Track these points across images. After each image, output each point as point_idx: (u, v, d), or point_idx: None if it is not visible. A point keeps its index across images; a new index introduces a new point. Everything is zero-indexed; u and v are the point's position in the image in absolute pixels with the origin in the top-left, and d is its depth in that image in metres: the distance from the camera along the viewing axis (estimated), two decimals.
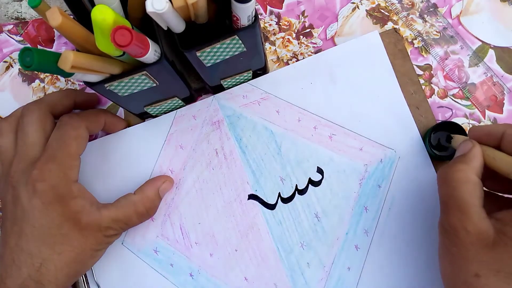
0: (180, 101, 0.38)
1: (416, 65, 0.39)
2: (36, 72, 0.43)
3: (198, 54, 0.30)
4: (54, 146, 0.33)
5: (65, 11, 0.27)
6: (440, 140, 0.36)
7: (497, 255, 0.26)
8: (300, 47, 0.41)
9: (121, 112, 0.41)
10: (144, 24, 0.30)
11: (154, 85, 0.32)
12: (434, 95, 0.39)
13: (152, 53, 0.28)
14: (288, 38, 0.41)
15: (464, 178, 0.28)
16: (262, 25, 0.41)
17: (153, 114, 0.39)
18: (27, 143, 0.33)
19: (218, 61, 0.32)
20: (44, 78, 0.42)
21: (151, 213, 0.36)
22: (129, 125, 0.40)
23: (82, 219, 0.32)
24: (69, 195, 0.32)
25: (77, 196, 0.33)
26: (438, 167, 0.37)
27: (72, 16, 0.28)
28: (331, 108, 0.39)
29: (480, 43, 0.39)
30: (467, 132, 0.37)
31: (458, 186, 0.28)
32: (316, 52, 0.40)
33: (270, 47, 0.41)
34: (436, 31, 0.40)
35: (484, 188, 0.29)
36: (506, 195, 0.31)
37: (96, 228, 0.33)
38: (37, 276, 0.31)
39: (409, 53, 0.39)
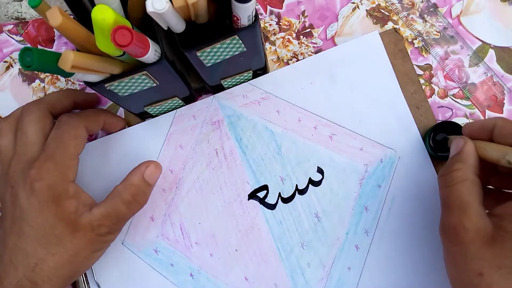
0: (180, 101, 0.38)
1: (416, 65, 0.39)
2: (36, 72, 0.43)
3: (198, 54, 0.30)
4: (52, 145, 0.33)
5: (65, 11, 0.27)
6: (440, 141, 0.36)
7: (496, 250, 0.26)
8: (300, 47, 0.41)
9: (121, 112, 0.41)
10: (144, 24, 0.30)
11: (154, 85, 0.32)
12: (434, 95, 0.39)
13: (152, 53, 0.28)
14: (288, 38, 0.41)
15: (461, 177, 0.28)
16: (262, 25, 0.41)
17: (153, 114, 0.39)
18: (26, 143, 0.33)
19: (218, 61, 0.32)
20: (44, 78, 0.42)
21: (139, 200, 0.34)
22: (129, 125, 0.40)
23: (76, 220, 0.32)
24: (65, 195, 0.32)
25: (72, 196, 0.33)
26: (438, 167, 0.37)
27: (72, 16, 0.28)
28: (331, 108, 0.39)
29: (480, 43, 0.39)
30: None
31: (457, 185, 0.28)
32: (316, 52, 0.40)
33: (270, 47, 0.41)
34: (436, 31, 0.40)
35: (490, 186, 0.29)
36: (508, 191, 0.31)
37: (89, 228, 0.32)
38: (32, 276, 0.31)
39: (409, 53, 0.39)
